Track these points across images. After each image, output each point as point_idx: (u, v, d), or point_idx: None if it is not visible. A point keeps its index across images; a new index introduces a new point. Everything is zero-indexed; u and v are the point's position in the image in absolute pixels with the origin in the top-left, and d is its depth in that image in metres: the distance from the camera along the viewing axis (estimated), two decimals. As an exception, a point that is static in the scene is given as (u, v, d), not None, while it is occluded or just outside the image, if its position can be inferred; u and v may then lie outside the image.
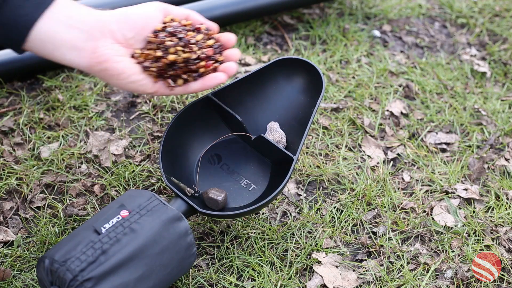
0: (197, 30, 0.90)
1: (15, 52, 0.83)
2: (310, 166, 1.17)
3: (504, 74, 1.47)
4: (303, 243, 1.04)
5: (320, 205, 1.10)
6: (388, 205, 1.12)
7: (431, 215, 1.11)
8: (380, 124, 1.28)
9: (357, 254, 1.04)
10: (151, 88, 0.88)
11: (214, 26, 0.92)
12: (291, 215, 1.08)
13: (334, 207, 1.10)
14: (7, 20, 0.78)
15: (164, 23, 0.89)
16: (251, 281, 0.98)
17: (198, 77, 0.90)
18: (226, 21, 1.42)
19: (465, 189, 1.16)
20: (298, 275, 1.00)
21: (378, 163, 1.20)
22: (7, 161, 1.11)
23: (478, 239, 1.08)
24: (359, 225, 1.08)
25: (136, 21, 0.86)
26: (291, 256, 1.02)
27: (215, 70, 0.91)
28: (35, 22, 0.79)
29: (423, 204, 1.13)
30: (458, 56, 1.50)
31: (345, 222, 1.08)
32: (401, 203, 1.12)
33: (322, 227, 1.07)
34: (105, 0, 1.30)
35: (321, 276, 0.98)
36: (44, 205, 1.05)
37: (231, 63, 0.91)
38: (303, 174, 1.15)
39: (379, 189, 1.14)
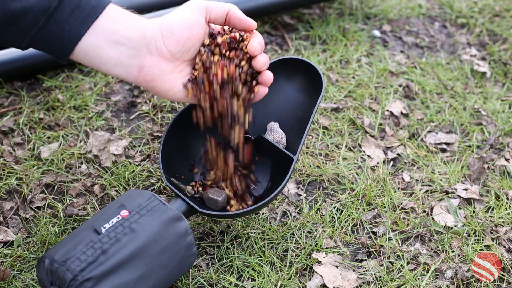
0: (234, 42, 0.89)
1: (60, 61, 0.83)
2: (310, 166, 1.17)
3: (504, 74, 1.47)
4: (303, 243, 1.04)
5: (320, 205, 1.10)
6: (388, 205, 1.12)
7: (431, 215, 1.11)
8: (380, 124, 1.28)
9: (357, 254, 1.04)
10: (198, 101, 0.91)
11: (251, 24, 0.89)
12: (291, 215, 1.08)
13: (334, 207, 1.10)
14: (52, 34, 0.79)
15: (205, 45, 0.88)
16: (251, 281, 0.98)
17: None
18: (226, 21, 1.42)
19: (465, 189, 1.16)
20: (298, 275, 1.00)
21: (378, 163, 1.20)
22: (7, 161, 1.11)
23: (478, 239, 1.08)
24: (359, 225, 1.08)
25: (180, 33, 0.84)
26: (291, 256, 1.02)
27: (255, 81, 0.92)
28: (80, 38, 0.79)
29: (423, 204, 1.13)
30: (458, 56, 1.50)
31: (345, 222, 1.08)
32: (401, 203, 1.12)
33: (322, 227, 1.07)
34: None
35: (321, 276, 0.98)
36: (44, 205, 1.05)
37: (266, 73, 0.90)
38: (303, 174, 1.15)
39: (379, 189, 1.14)
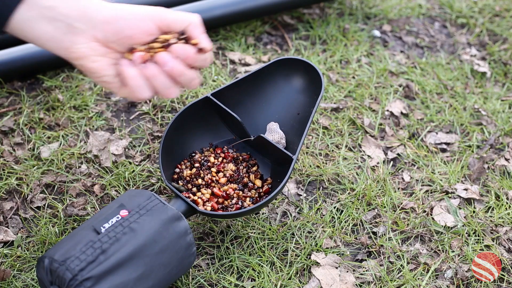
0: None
1: None
2: (310, 166, 1.17)
3: (504, 74, 1.47)
4: (303, 243, 1.04)
5: (320, 205, 1.10)
6: (388, 205, 1.12)
7: (431, 215, 1.11)
8: (380, 124, 1.28)
9: (357, 254, 1.04)
10: (120, 92, 0.83)
11: (207, 46, 0.81)
12: (291, 215, 1.08)
13: (334, 207, 1.10)
14: None
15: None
16: (251, 281, 0.98)
17: None
18: (226, 21, 1.42)
19: (465, 189, 1.16)
20: (298, 275, 1.00)
21: (378, 163, 1.19)
22: (7, 161, 1.11)
23: (478, 239, 1.08)
24: (359, 225, 1.08)
25: (123, 29, 0.79)
26: (291, 256, 1.02)
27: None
28: (12, 11, 0.75)
29: (423, 204, 1.13)
30: (458, 56, 1.50)
31: (345, 222, 1.08)
32: (401, 203, 1.12)
33: (322, 227, 1.07)
34: None
35: (318, 280, 0.98)
36: (44, 205, 1.05)
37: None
38: (303, 174, 1.15)
39: (379, 189, 1.14)
